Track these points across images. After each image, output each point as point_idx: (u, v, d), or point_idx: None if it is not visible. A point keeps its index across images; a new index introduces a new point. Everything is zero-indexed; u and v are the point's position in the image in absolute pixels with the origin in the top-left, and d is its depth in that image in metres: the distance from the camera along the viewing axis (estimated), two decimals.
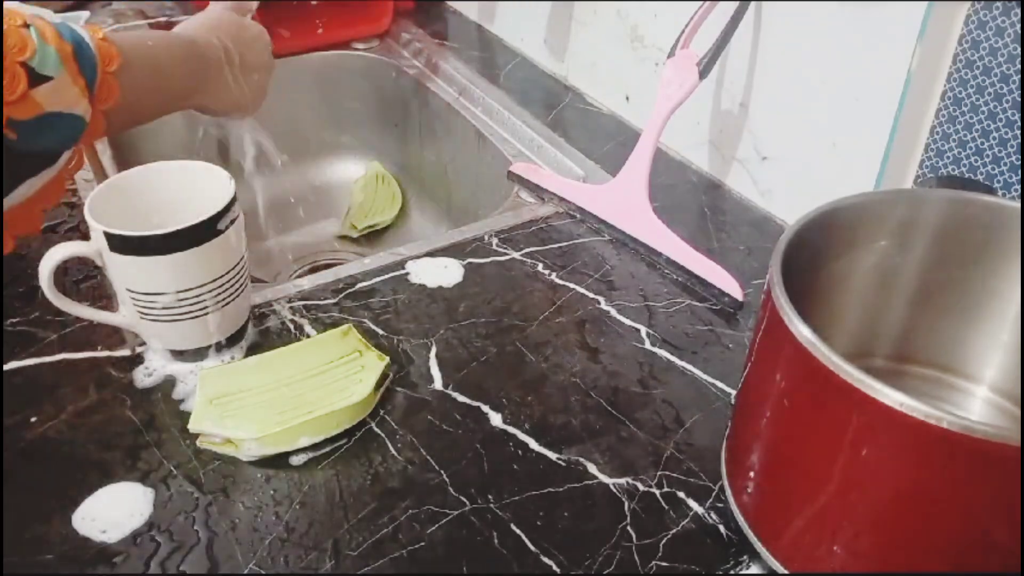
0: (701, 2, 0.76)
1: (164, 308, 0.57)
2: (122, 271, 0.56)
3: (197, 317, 0.58)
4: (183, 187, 0.61)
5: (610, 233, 0.78)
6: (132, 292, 0.57)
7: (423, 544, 0.51)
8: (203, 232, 0.55)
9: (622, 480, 0.55)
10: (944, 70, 0.64)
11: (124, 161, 0.87)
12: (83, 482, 0.53)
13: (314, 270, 1.03)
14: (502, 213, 0.81)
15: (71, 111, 0.52)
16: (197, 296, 0.57)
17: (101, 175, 0.80)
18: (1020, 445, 0.37)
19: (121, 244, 0.54)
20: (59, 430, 0.56)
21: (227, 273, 0.58)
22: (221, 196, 0.57)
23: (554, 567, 0.50)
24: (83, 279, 0.69)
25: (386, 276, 0.71)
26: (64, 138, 0.53)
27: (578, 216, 0.80)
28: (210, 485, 0.53)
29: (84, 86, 0.53)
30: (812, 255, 0.50)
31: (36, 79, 0.50)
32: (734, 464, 0.52)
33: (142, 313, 0.58)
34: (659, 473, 0.56)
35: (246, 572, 0.48)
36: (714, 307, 0.70)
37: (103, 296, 0.67)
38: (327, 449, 0.56)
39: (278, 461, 0.55)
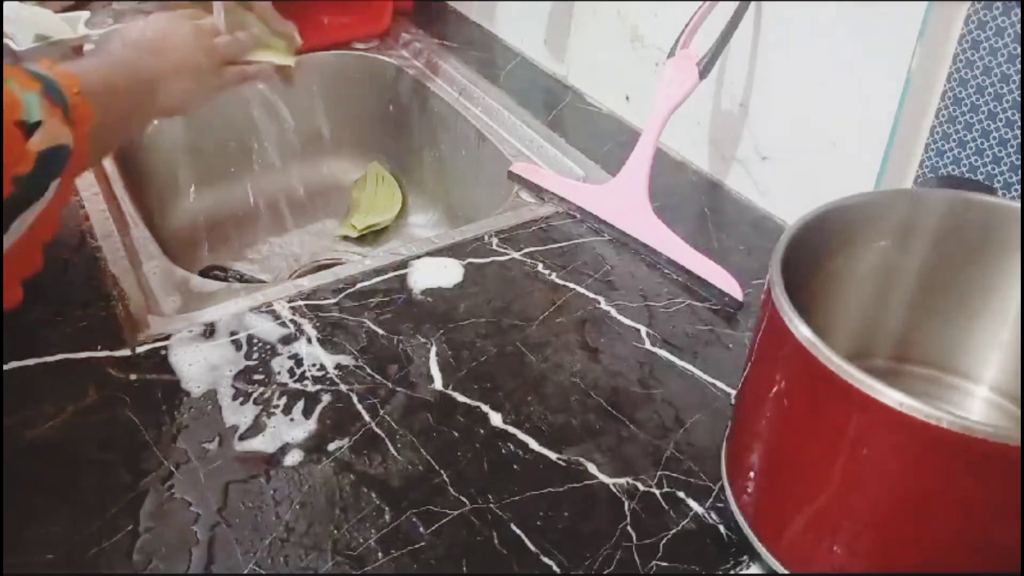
0: (701, 2, 0.76)
1: None
2: None
3: None
4: None
5: (610, 233, 0.78)
6: None
7: (423, 544, 0.51)
8: None
9: (622, 480, 0.55)
10: (944, 70, 0.64)
11: (129, 176, 0.87)
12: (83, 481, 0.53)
13: (314, 270, 1.03)
14: (502, 213, 0.81)
15: (58, 143, 0.53)
16: None
17: (110, 196, 0.80)
18: (1020, 445, 0.37)
19: None
20: (59, 430, 0.56)
21: None
22: None
23: (554, 567, 0.50)
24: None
25: (386, 276, 0.71)
26: (53, 170, 0.53)
27: (578, 216, 0.80)
28: (210, 484, 0.53)
29: (62, 114, 0.53)
30: (812, 255, 0.50)
31: (29, 131, 0.50)
32: (734, 464, 0.52)
33: None
34: (659, 473, 0.56)
35: (246, 572, 0.48)
36: (714, 307, 0.70)
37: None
38: (327, 449, 0.56)
39: (278, 461, 0.55)
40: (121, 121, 0.64)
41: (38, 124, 0.51)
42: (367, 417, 0.58)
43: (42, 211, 0.53)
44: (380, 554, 0.50)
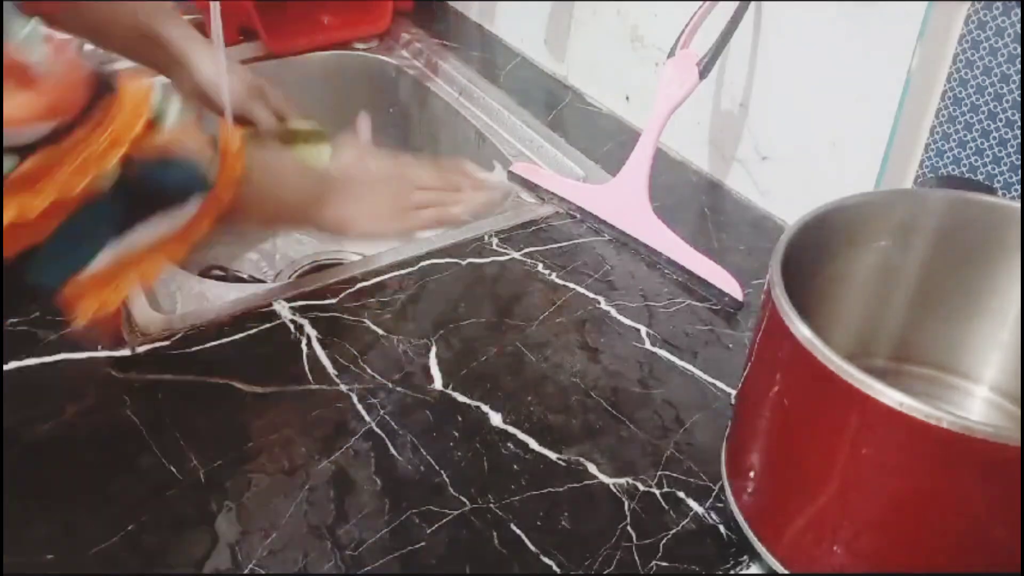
0: (701, 2, 0.76)
1: None
2: None
3: None
4: None
5: (610, 233, 0.78)
6: None
7: (423, 544, 0.51)
8: None
9: (622, 480, 0.55)
10: (944, 70, 0.64)
11: None
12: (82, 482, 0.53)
13: (314, 270, 1.03)
14: (502, 213, 0.81)
15: (193, 159, 0.52)
16: None
17: None
18: (1020, 445, 0.37)
19: None
20: (59, 430, 0.56)
21: None
22: None
23: (554, 567, 0.50)
24: None
25: (387, 276, 0.71)
26: (186, 182, 0.53)
27: (578, 216, 0.80)
28: (210, 485, 0.53)
29: (209, 141, 0.53)
30: (812, 255, 0.50)
31: (153, 118, 0.50)
32: (734, 464, 0.52)
33: None
34: (659, 473, 0.56)
35: (246, 572, 0.48)
36: (714, 307, 0.70)
37: None
38: (327, 449, 0.56)
39: (279, 461, 0.55)
40: (281, 200, 0.64)
41: (164, 122, 0.50)
42: (367, 417, 0.58)
43: (176, 230, 0.53)
44: (380, 554, 0.50)
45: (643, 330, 0.67)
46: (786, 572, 0.48)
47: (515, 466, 0.56)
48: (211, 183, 0.53)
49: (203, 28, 0.80)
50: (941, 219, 0.52)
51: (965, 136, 0.64)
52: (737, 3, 0.74)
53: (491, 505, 0.53)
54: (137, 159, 0.48)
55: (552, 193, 0.82)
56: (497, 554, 0.50)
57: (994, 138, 0.63)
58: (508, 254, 0.75)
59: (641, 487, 0.55)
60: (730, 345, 0.66)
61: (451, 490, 0.54)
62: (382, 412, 0.59)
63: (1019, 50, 0.59)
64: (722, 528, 0.53)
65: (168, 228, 0.52)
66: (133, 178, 0.48)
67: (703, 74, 0.73)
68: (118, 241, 0.50)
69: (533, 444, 0.57)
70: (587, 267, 0.74)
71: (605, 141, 0.92)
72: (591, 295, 0.71)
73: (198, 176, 0.53)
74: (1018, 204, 0.51)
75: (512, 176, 0.86)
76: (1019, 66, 0.60)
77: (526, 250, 0.76)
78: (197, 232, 0.54)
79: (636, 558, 0.50)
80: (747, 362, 0.50)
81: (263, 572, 0.48)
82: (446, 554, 0.50)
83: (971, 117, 0.64)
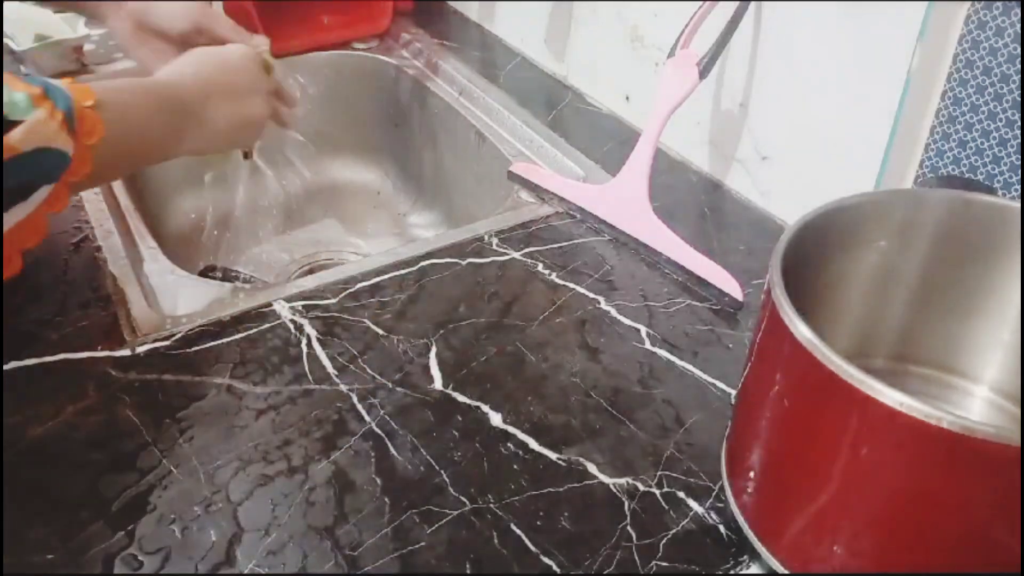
0: (701, 2, 0.76)
1: None
2: None
3: None
4: None
5: (610, 233, 0.78)
6: None
7: (423, 544, 0.51)
8: None
9: (622, 480, 0.55)
10: (944, 70, 0.64)
11: (137, 192, 0.87)
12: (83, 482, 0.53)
13: (314, 270, 1.03)
14: (502, 213, 0.81)
15: (51, 146, 0.52)
16: None
17: (110, 196, 0.80)
18: (1020, 445, 0.37)
19: None
20: (59, 430, 0.56)
21: None
22: None
23: (554, 567, 0.50)
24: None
25: (386, 276, 0.71)
26: (43, 173, 0.53)
27: (578, 216, 0.80)
28: (210, 485, 0.53)
29: (62, 120, 0.53)
30: (812, 255, 0.50)
31: (8, 126, 0.50)
32: (734, 464, 0.52)
33: None
34: (659, 473, 0.56)
35: (246, 572, 0.48)
36: (714, 307, 0.70)
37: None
38: (327, 449, 0.56)
39: (279, 461, 0.55)
40: (146, 142, 0.63)
41: (17, 123, 0.50)
42: (367, 417, 0.58)
43: (27, 216, 0.53)
44: (380, 554, 0.50)
45: (643, 330, 0.67)
46: (786, 572, 0.48)
47: (515, 466, 0.56)
48: (66, 163, 0.53)
49: None
50: (941, 219, 0.52)
51: (965, 136, 0.64)
52: (737, 3, 0.74)
53: (491, 505, 0.53)
54: None
55: (552, 193, 0.82)
56: (497, 554, 0.50)
57: (994, 138, 0.63)
58: (508, 254, 0.75)
59: (641, 487, 0.55)
60: (730, 345, 0.66)
61: (451, 490, 0.54)
62: (382, 412, 0.59)
63: (1019, 50, 0.59)
64: (722, 528, 0.53)
65: (18, 217, 0.52)
66: None
67: (703, 74, 0.73)
68: None
69: (533, 444, 0.57)
70: (587, 267, 0.74)
71: (605, 141, 0.92)
72: (591, 295, 0.71)
73: (56, 167, 0.53)
74: (1018, 204, 0.51)
75: (512, 176, 0.86)
76: (1019, 66, 0.60)
77: (526, 250, 0.76)
78: (55, 209, 0.55)
79: (636, 558, 0.50)
80: (747, 362, 0.50)
81: (263, 572, 0.48)
82: (446, 554, 0.50)
83: (971, 117, 0.64)
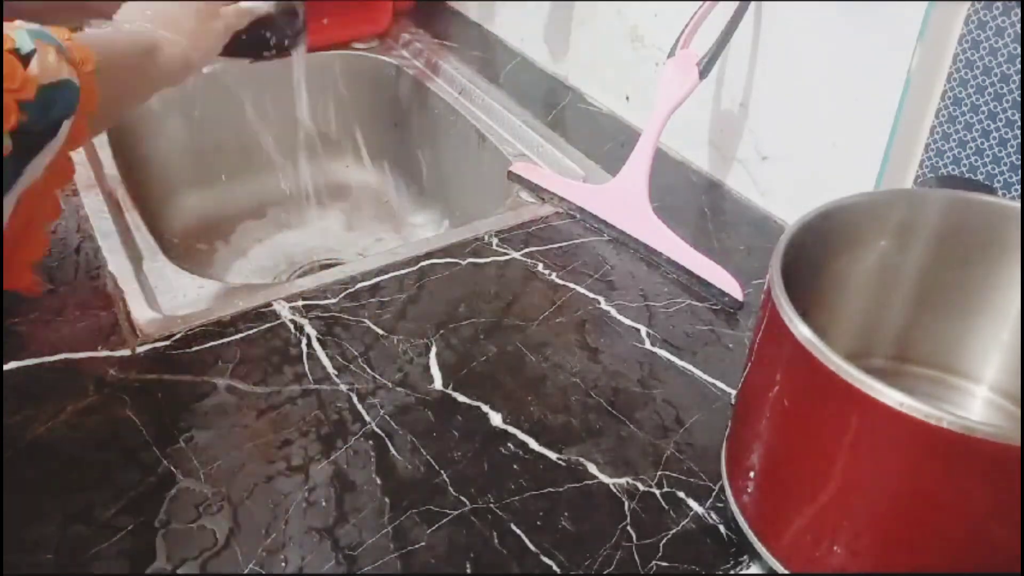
0: (701, 2, 0.76)
1: None
2: None
3: None
4: None
5: (610, 233, 0.78)
6: None
7: (423, 544, 0.51)
8: None
9: (622, 480, 0.55)
10: (944, 70, 0.64)
11: (137, 192, 0.87)
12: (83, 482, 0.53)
13: (314, 270, 1.03)
14: (502, 213, 0.81)
15: (60, 77, 0.53)
16: None
17: (110, 196, 0.80)
18: (1020, 445, 0.37)
19: None
20: (59, 430, 0.56)
21: None
22: None
23: (554, 567, 0.50)
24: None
25: (386, 276, 0.71)
26: (65, 103, 0.53)
27: (578, 216, 0.80)
28: (210, 484, 0.53)
29: (57, 51, 0.53)
30: (812, 255, 0.50)
31: (23, 59, 0.50)
32: (734, 464, 0.52)
33: None
34: (659, 473, 0.56)
35: (246, 572, 0.48)
36: (714, 307, 0.70)
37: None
38: (327, 449, 0.56)
39: (279, 461, 0.55)
40: (125, 81, 0.63)
41: (31, 54, 0.50)
42: (367, 417, 0.58)
43: (56, 157, 0.53)
44: (380, 554, 0.50)
45: (643, 330, 0.67)
46: (786, 572, 0.48)
47: (515, 466, 0.56)
48: (77, 93, 0.54)
49: None
50: (941, 219, 0.52)
51: (965, 136, 0.64)
52: (737, 3, 0.74)
53: (491, 505, 0.53)
54: (25, 102, 0.49)
55: (552, 193, 0.82)
56: (497, 554, 0.50)
57: (994, 138, 0.63)
58: (508, 254, 0.75)
59: (641, 487, 0.55)
60: (730, 345, 0.66)
61: (451, 490, 0.54)
62: (382, 412, 0.59)
63: (1019, 50, 0.59)
64: (722, 528, 0.53)
65: (50, 156, 0.53)
66: (24, 127, 0.49)
67: (703, 74, 0.73)
68: (13, 192, 0.51)
69: (533, 444, 0.57)
70: (587, 267, 0.74)
71: (605, 141, 0.92)
72: (591, 295, 0.71)
73: (72, 98, 0.53)
74: (1018, 204, 0.51)
75: (512, 176, 0.86)
76: (1019, 66, 0.60)
77: (526, 250, 0.76)
78: (77, 145, 0.55)
79: (636, 558, 0.50)
80: (747, 362, 0.50)
81: (263, 572, 0.48)
82: (446, 554, 0.50)
83: (971, 117, 0.64)
